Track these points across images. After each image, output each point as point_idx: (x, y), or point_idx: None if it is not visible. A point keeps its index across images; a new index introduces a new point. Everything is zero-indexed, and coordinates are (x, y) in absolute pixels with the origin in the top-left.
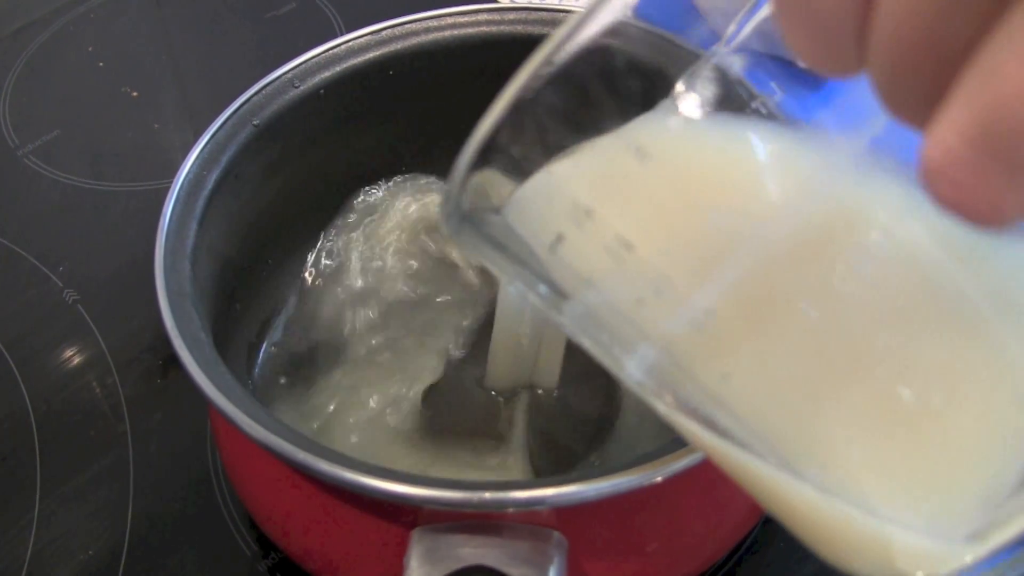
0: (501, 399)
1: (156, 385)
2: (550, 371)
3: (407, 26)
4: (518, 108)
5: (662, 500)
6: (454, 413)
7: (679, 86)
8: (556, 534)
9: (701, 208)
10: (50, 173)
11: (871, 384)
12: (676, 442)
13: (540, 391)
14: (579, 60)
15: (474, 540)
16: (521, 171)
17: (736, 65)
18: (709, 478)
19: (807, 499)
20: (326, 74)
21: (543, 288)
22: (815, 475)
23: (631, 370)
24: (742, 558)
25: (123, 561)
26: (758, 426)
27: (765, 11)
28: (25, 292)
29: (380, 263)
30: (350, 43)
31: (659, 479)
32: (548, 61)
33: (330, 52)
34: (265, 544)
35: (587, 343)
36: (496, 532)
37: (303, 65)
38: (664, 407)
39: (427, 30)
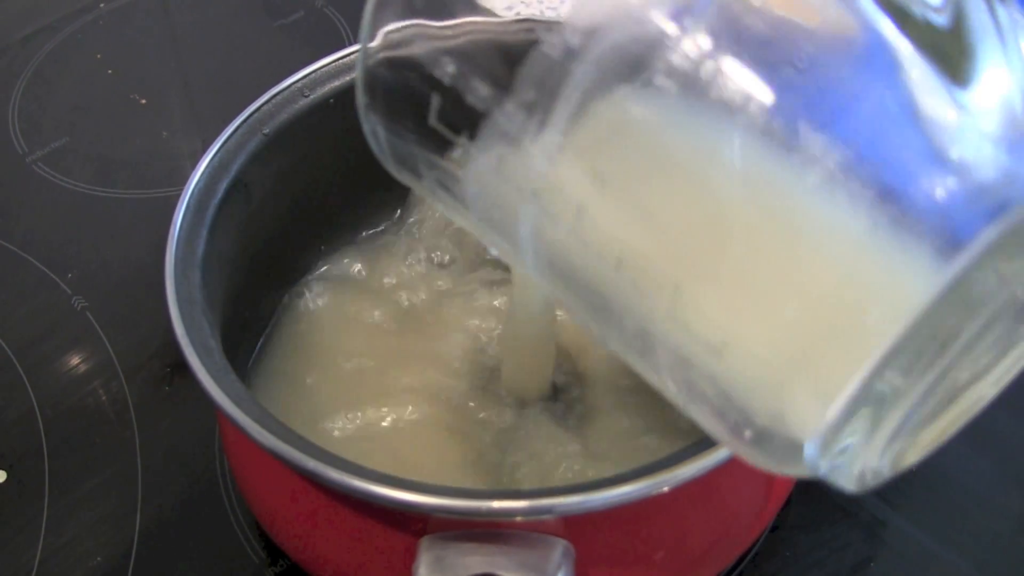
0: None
1: (163, 392)
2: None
3: None
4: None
5: (669, 509)
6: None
7: None
8: (564, 543)
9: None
10: (59, 180)
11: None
12: (683, 452)
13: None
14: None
15: (483, 549)
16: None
17: None
18: (716, 487)
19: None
20: (336, 83)
21: (441, 175)
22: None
23: (525, 246)
24: (748, 567)
25: (131, 568)
26: (611, 265)
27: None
28: (34, 298)
29: (391, 268)
30: None
31: (666, 489)
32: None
33: (340, 62)
34: (273, 551)
35: (491, 234)
36: (504, 541)
37: (313, 74)
38: (558, 290)
39: None
